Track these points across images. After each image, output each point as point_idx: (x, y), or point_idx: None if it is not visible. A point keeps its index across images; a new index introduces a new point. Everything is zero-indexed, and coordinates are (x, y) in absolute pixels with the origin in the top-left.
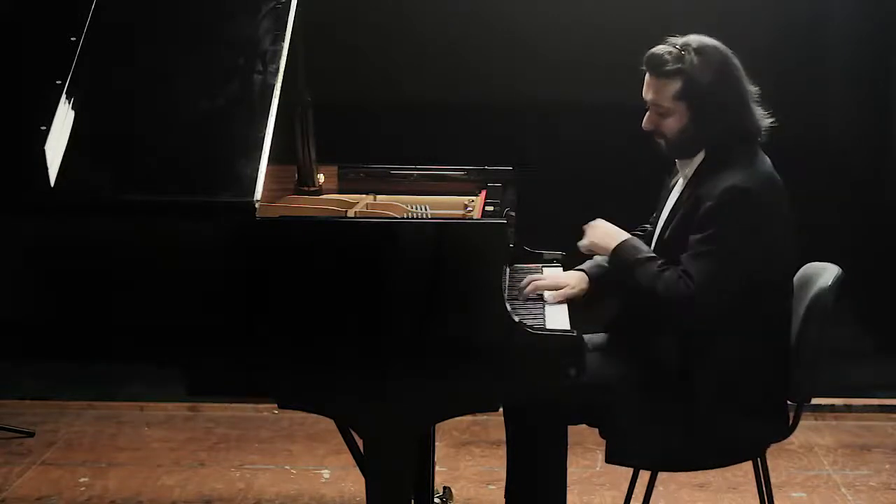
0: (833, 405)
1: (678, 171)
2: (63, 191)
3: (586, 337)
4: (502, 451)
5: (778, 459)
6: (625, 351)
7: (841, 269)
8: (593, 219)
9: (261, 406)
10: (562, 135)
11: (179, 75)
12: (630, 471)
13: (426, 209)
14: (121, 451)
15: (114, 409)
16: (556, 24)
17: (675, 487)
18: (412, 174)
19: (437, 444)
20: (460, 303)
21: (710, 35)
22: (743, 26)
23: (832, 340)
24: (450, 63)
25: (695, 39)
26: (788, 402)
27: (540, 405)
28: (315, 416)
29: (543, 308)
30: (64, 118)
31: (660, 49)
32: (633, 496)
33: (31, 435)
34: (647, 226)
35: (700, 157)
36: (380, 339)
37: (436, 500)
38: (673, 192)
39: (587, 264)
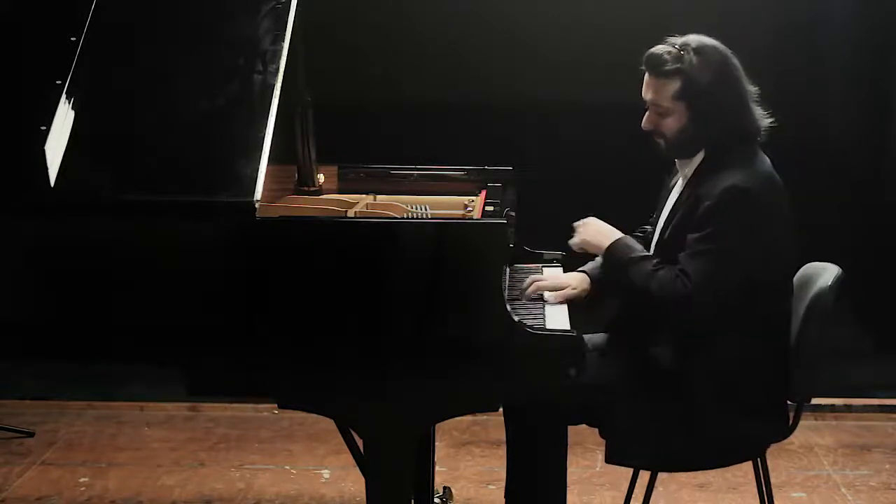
0: (833, 405)
1: (678, 171)
2: (63, 191)
3: (586, 337)
4: (502, 451)
5: (778, 459)
6: (625, 351)
7: (841, 269)
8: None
9: (261, 406)
10: (562, 135)
11: (179, 75)
12: (630, 471)
13: (426, 209)
14: (121, 451)
15: (114, 409)
16: (556, 24)
17: (676, 487)
18: (412, 174)
19: (437, 444)
20: (460, 303)
21: (709, 35)
22: (743, 26)
23: (832, 340)
24: (450, 63)
25: (694, 39)
26: (788, 402)
27: (540, 405)
28: (315, 416)
29: (543, 308)
30: (64, 118)
31: (659, 49)
32: (633, 496)
33: (31, 435)
34: (648, 227)
35: (700, 157)
36: (380, 339)
37: (436, 500)
38: (673, 192)
39: (589, 265)
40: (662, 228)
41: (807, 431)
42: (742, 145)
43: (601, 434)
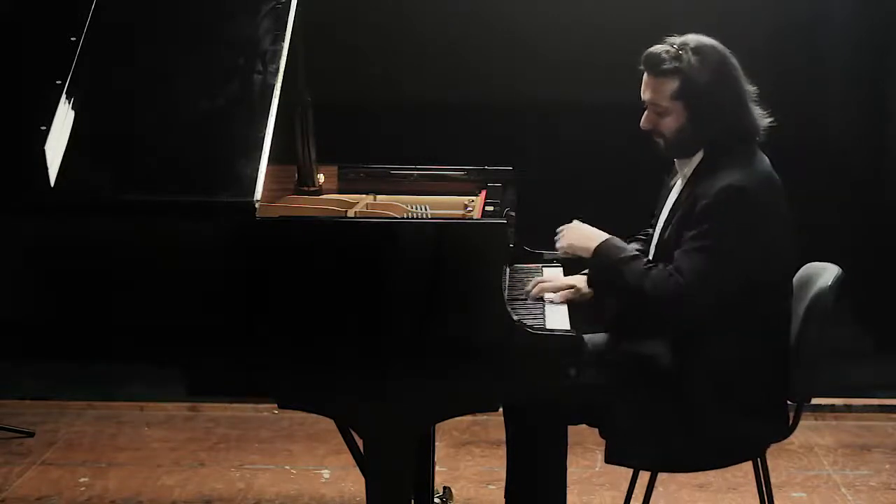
0: (833, 405)
1: (678, 172)
2: (63, 191)
3: (586, 337)
4: (502, 451)
5: (778, 459)
6: (625, 351)
7: (841, 269)
8: (593, 218)
9: (261, 406)
10: (562, 135)
11: (179, 75)
12: (630, 471)
13: (426, 209)
14: (121, 451)
15: (114, 409)
16: (556, 24)
17: (675, 487)
18: (412, 174)
19: (437, 444)
20: (460, 303)
21: (709, 35)
22: (743, 26)
23: (832, 340)
24: (450, 63)
25: (693, 39)
26: (788, 402)
27: (540, 405)
28: (315, 416)
29: (543, 308)
30: (64, 118)
31: (657, 48)
32: (633, 496)
33: (31, 435)
34: (650, 229)
35: (699, 156)
36: (380, 339)
37: (436, 500)
38: (672, 192)
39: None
40: (662, 228)
41: (807, 431)
42: (741, 145)
43: (601, 434)
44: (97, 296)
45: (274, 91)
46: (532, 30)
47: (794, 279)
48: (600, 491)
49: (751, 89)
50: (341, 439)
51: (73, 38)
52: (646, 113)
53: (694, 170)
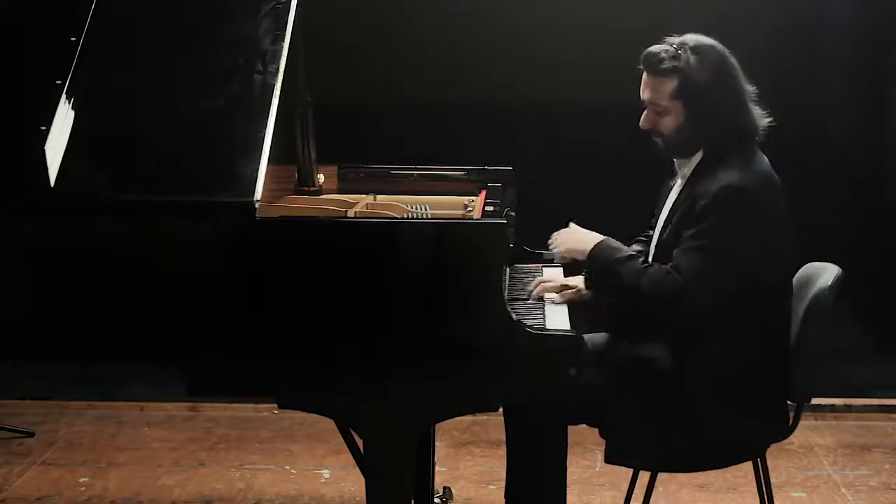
0: (833, 405)
1: (677, 172)
2: (63, 191)
3: (586, 337)
4: (502, 451)
5: (778, 459)
6: (625, 351)
7: (841, 269)
8: (593, 218)
9: (261, 406)
10: (562, 135)
11: (179, 75)
12: (630, 471)
13: (426, 209)
14: (121, 451)
15: (114, 409)
16: (556, 24)
17: (676, 487)
18: (412, 174)
19: (437, 444)
20: (460, 303)
21: (709, 35)
22: (742, 26)
23: (832, 340)
24: (450, 63)
25: (692, 38)
26: (788, 402)
27: (540, 405)
28: (315, 416)
29: (543, 308)
30: (64, 118)
31: (656, 48)
32: (633, 496)
33: (31, 435)
34: (650, 231)
35: (698, 156)
36: (380, 339)
37: (436, 500)
38: (672, 192)
39: None
40: (662, 228)
41: (807, 431)
42: (740, 145)
43: (601, 434)
44: (97, 296)
45: (274, 91)
46: (532, 30)
47: (794, 279)
48: (600, 491)
49: (750, 89)
50: (341, 439)
51: (73, 38)
52: (645, 112)
53: (693, 170)
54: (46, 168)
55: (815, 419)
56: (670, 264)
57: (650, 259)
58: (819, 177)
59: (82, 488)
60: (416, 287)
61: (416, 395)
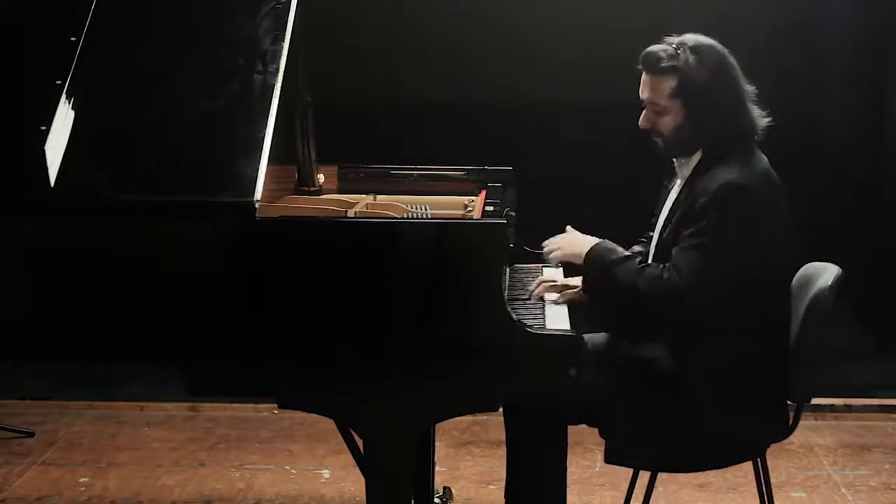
0: (833, 405)
1: (677, 173)
2: (63, 191)
3: (586, 337)
4: (502, 451)
5: (778, 459)
6: (625, 351)
7: (841, 269)
8: (593, 218)
9: (261, 406)
10: (562, 135)
11: (179, 75)
12: (630, 471)
13: (426, 209)
14: (121, 451)
15: (114, 409)
16: (556, 24)
17: (676, 487)
18: (412, 174)
19: (437, 444)
20: (460, 303)
21: (709, 35)
22: (742, 26)
23: (832, 340)
24: (450, 63)
25: (691, 38)
26: (788, 402)
27: (540, 405)
28: (315, 416)
29: (543, 308)
30: (64, 118)
31: (655, 47)
32: (633, 496)
33: (31, 435)
34: (651, 233)
35: (697, 156)
36: (380, 339)
37: (436, 500)
38: (671, 192)
39: None
40: (661, 228)
41: (807, 431)
42: (739, 144)
43: (601, 434)
44: (97, 296)
45: (274, 91)
46: (532, 30)
47: (794, 279)
48: (600, 491)
49: (749, 89)
50: (341, 439)
51: (73, 38)
52: (644, 112)
53: (693, 170)
54: (46, 168)
55: (815, 419)
56: (670, 262)
57: (650, 259)
58: (819, 177)
59: (82, 488)
60: (416, 287)
61: (416, 395)
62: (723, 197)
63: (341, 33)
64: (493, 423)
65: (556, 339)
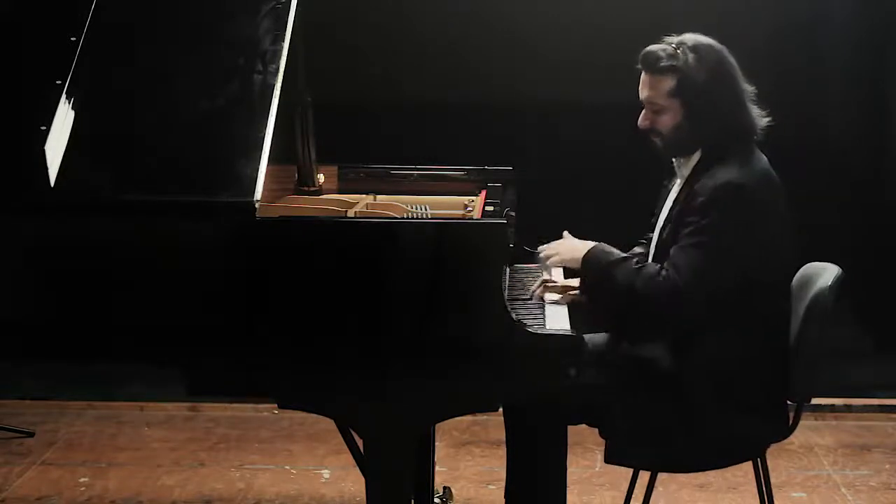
0: (833, 405)
1: (676, 173)
2: (63, 191)
3: (586, 337)
4: (502, 451)
5: (778, 459)
6: (625, 351)
7: (841, 269)
8: (593, 219)
9: (261, 406)
10: (562, 135)
11: (179, 75)
12: (630, 471)
13: (426, 209)
14: (121, 451)
15: (114, 409)
16: (556, 24)
17: (676, 487)
18: (412, 174)
19: (437, 444)
20: (460, 303)
21: (709, 35)
22: (742, 26)
23: (832, 340)
24: (450, 63)
25: (690, 38)
26: (788, 402)
27: (540, 405)
28: (315, 416)
29: (543, 308)
30: (64, 118)
31: (655, 47)
32: (633, 496)
33: (31, 435)
34: (651, 234)
35: (696, 156)
36: (380, 339)
37: (436, 500)
38: (671, 192)
39: None
40: (661, 228)
41: (807, 431)
42: (738, 144)
43: (601, 434)
44: (97, 296)
45: (274, 91)
46: (532, 30)
47: (794, 279)
48: (600, 491)
49: (749, 89)
50: (341, 439)
51: (73, 38)
52: (643, 111)
53: (692, 169)
54: (46, 168)
55: (815, 419)
56: (668, 261)
57: (650, 259)
58: (819, 177)
59: (82, 488)
60: (416, 287)
61: (416, 395)
62: (722, 196)
63: (341, 33)
64: (493, 423)
65: (556, 339)
